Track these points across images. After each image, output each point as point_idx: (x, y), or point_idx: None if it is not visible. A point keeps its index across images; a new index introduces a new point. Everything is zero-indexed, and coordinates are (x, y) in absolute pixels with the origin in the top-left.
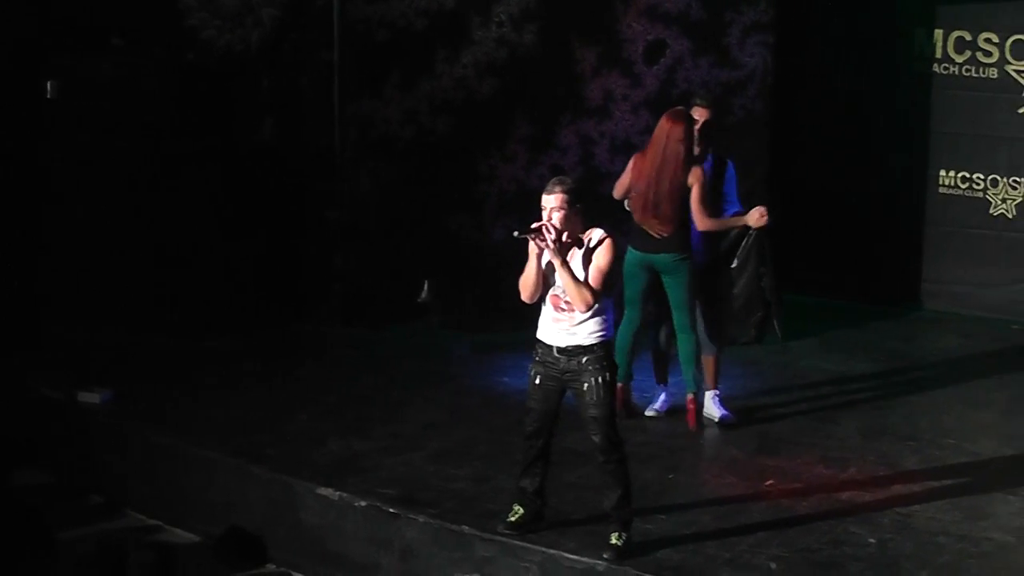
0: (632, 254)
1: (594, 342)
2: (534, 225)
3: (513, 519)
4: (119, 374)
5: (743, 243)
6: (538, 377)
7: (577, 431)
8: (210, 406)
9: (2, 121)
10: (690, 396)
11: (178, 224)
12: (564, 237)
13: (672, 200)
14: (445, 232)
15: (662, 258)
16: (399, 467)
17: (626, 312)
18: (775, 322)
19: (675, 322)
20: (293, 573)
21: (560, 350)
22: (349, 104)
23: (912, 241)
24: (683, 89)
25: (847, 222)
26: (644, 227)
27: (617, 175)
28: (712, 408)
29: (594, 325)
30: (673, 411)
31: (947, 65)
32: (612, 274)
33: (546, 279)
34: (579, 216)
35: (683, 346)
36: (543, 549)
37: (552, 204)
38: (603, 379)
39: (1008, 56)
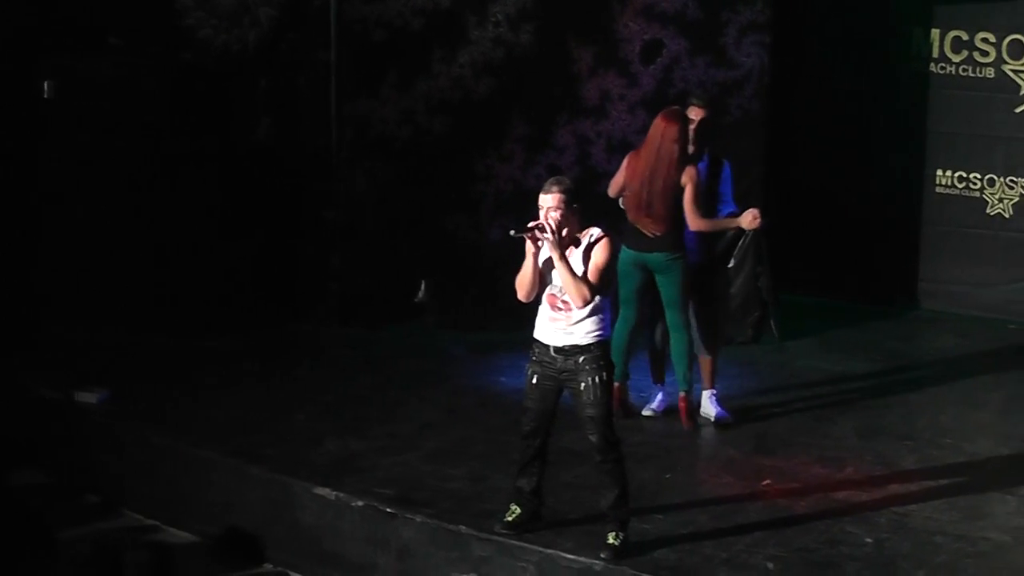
0: (626, 253)
1: (591, 342)
2: (530, 224)
3: (510, 519)
4: (116, 374)
5: (740, 243)
6: (535, 377)
7: (574, 431)
8: (207, 406)
9: None
10: (682, 394)
11: (175, 224)
12: (564, 232)
13: (665, 199)
14: (442, 232)
15: (655, 257)
16: (396, 467)
17: (621, 311)
18: (772, 322)
19: (668, 321)
20: (290, 573)
21: (557, 349)
22: (346, 104)
23: (909, 241)
24: (680, 89)
25: (844, 222)
26: (637, 226)
27: (613, 175)
28: (709, 408)
29: (591, 325)
30: (670, 411)
31: (944, 65)
32: (609, 271)
33: (542, 278)
34: (576, 216)
35: (676, 345)
36: (540, 549)
37: (549, 204)
38: (600, 379)
39: (1005, 56)
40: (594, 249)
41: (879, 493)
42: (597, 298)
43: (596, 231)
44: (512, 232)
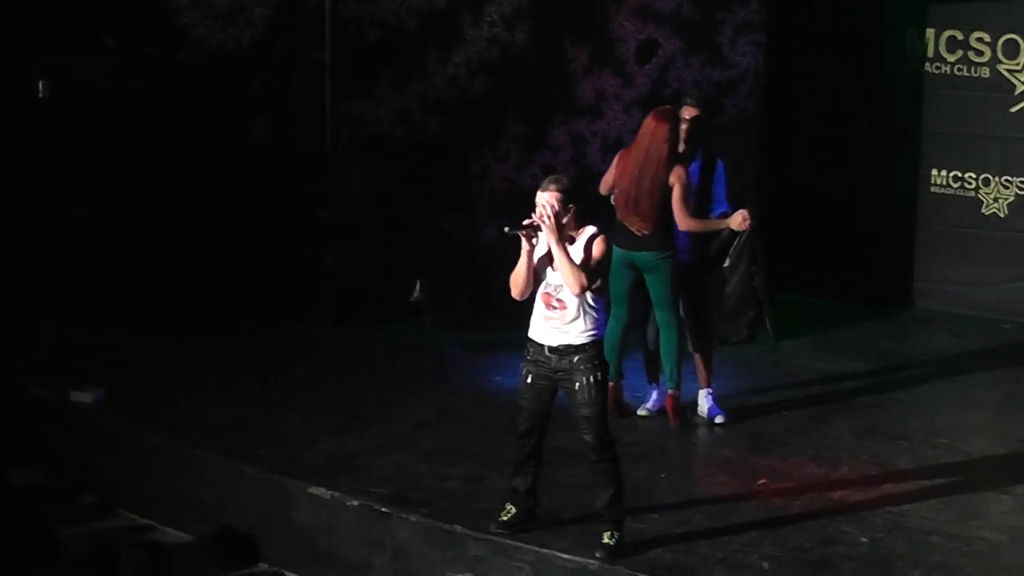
0: (615, 252)
1: (585, 341)
2: (525, 222)
3: (505, 518)
4: (111, 373)
5: (735, 242)
6: (530, 376)
7: (569, 430)
8: (202, 405)
9: None
10: (670, 392)
11: (170, 223)
12: (564, 221)
13: (652, 198)
14: (437, 231)
15: (643, 256)
16: (391, 466)
17: (613, 310)
18: (767, 321)
19: (658, 319)
20: (286, 572)
21: (551, 349)
22: (341, 103)
23: (904, 240)
24: (675, 88)
25: (839, 221)
26: (626, 224)
27: None
28: (705, 407)
29: (585, 324)
30: (665, 410)
31: (939, 64)
32: (607, 264)
33: (537, 275)
34: (573, 216)
35: (665, 343)
36: (535, 548)
37: (547, 200)
38: (594, 378)
39: (1000, 55)
40: (594, 243)
41: (874, 493)
42: (592, 293)
43: (593, 229)
44: (506, 229)
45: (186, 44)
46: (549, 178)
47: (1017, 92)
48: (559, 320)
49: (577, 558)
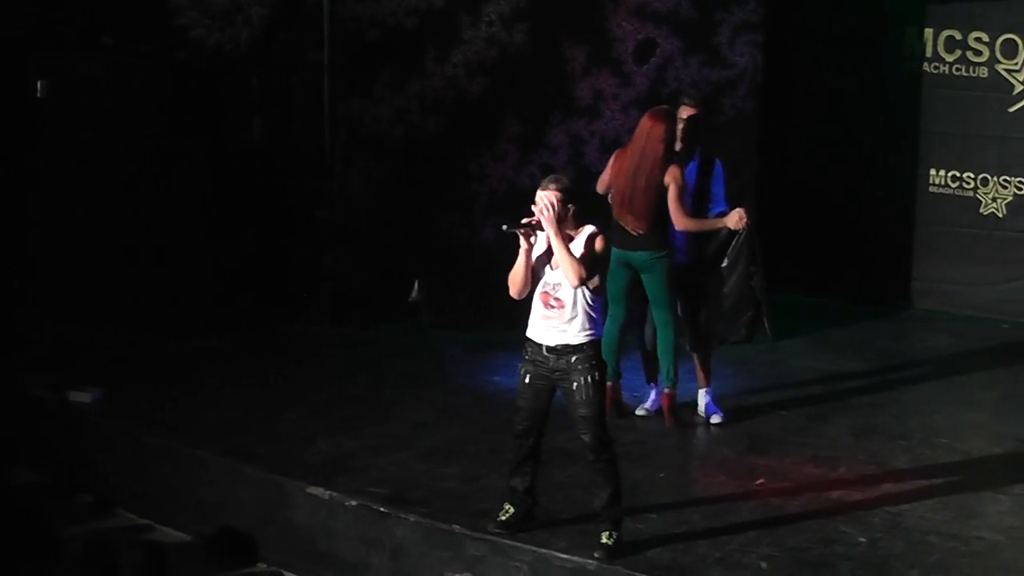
0: (612, 251)
1: (583, 341)
2: (523, 220)
3: (503, 518)
4: (111, 373)
5: (734, 242)
6: (528, 376)
7: (567, 430)
8: (201, 405)
9: None
10: (666, 391)
11: (168, 223)
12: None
13: (647, 197)
14: (436, 231)
15: (639, 255)
16: (390, 466)
17: (610, 309)
18: (765, 321)
19: (654, 318)
20: (284, 572)
21: (550, 349)
22: (339, 103)
23: (902, 240)
24: (673, 88)
25: (837, 221)
26: (621, 223)
27: None
28: (703, 407)
29: (583, 324)
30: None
31: (937, 64)
32: (606, 259)
33: (535, 274)
34: (572, 216)
35: (661, 342)
36: (534, 548)
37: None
38: (592, 378)
39: (998, 55)
40: (594, 240)
41: (872, 492)
42: (590, 293)
43: (592, 228)
44: (504, 227)
45: (184, 44)
46: (549, 177)
47: (1015, 92)
48: (557, 319)
49: (575, 558)
